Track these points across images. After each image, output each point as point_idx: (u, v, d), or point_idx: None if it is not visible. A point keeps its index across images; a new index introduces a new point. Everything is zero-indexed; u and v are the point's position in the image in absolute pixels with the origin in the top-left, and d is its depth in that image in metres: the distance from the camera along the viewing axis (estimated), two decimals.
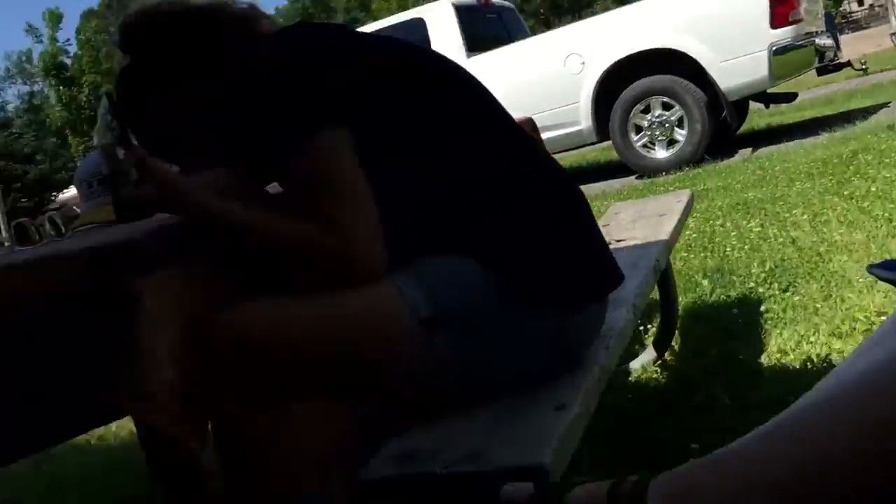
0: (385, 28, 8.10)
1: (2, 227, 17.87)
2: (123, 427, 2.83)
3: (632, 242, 1.92)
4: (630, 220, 2.17)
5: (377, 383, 1.24)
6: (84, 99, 34.46)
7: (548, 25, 37.39)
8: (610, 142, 6.89)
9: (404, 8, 47.08)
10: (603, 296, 1.34)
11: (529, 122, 2.46)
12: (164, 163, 1.27)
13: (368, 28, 8.28)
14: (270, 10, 70.15)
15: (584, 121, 6.69)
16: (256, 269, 1.30)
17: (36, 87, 48.76)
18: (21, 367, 1.11)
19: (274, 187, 1.42)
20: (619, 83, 6.60)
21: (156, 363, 1.03)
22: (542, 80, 6.82)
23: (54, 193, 25.81)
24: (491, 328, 1.22)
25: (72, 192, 24.81)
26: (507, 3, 8.76)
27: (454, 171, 1.27)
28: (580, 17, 36.29)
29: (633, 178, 6.78)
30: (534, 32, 9.67)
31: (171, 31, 1.36)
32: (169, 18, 1.37)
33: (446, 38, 7.40)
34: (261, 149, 1.26)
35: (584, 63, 6.62)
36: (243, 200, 1.32)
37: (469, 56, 7.27)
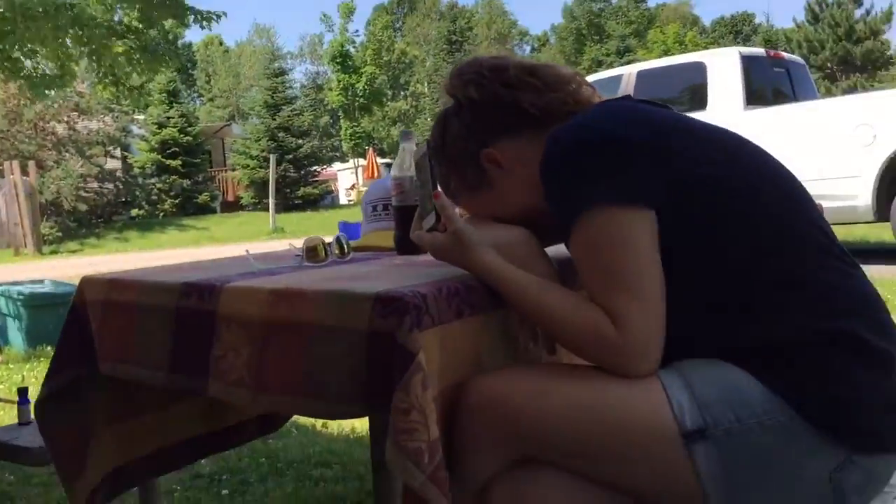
0: (663, 68, 7.95)
1: (271, 192, 19.60)
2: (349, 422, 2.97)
3: None
4: None
5: (621, 483, 1.18)
6: (361, 87, 36.92)
7: (833, 80, 34.93)
8: (888, 224, 6.28)
9: (679, 41, 46.20)
10: None
11: (819, 208, 2.25)
12: (459, 212, 1.28)
13: (647, 65, 8.16)
14: (545, 28, 71.33)
15: (864, 197, 6.15)
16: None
17: (321, 69, 53.03)
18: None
19: None
20: None
21: (422, 419, 1.03)
22: (823, 147, 6.34)
23: (318, 168, 27.97)
24: (762, 454, 1.12)
25: (334, 168, 26.62)
26: (798, 60, 8.27)
27: (743, 266, 1.18)
28: (872, 76, 33.49)
29: None
30: (817, 86, 9.07)
31: (503, 84, 1.37)
32: (502, 73, 1.38)
33: (726, 87, 7.12)
34: (558, 214, 1.23)
35: (875, 136, 6.08)
36: (544, 268, 1.31)
37: (747, 108, 6.94)
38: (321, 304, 1.17)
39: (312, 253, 1.53)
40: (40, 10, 6.15)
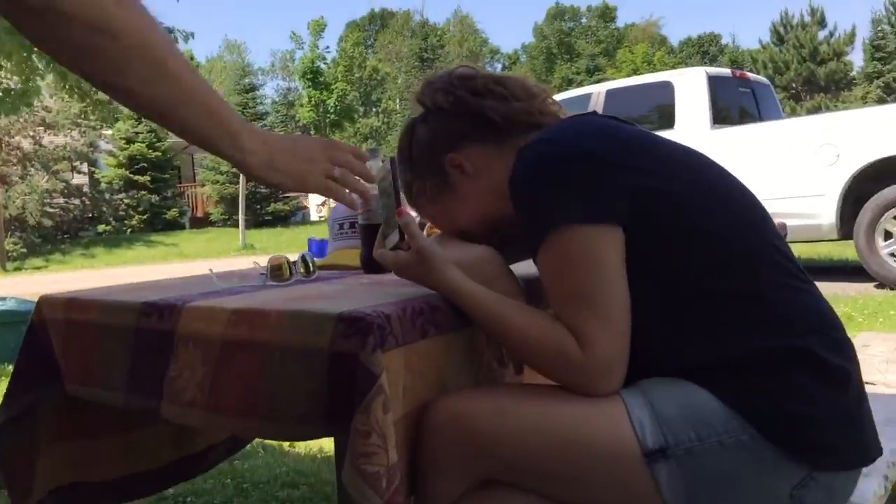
0: (632, 87, 8.03)
1: (241, 208, 19.47)
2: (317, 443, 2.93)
3: (887, 391, 1.71)
4: (884, 358, 1.95)
5: (583, 503, 1.18)
6: (332, 104, 36.84)
7: (798, 100, 35.56)
8: (852, 241, 6.38)
9: (648, 61, 46.78)
10: (857, 463, 1.19)
11: (782, 227, 2.28)
12: (423, 230, 1.28)
13: (617, 84, 8.24)
14: (516, 46, 72.00)
15: (828, 216, 6.23)
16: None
17: (292, 84, 52.90)
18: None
19: None
20: (872, 183, 6.10)
21: (381, 442, 1.02)
22: (788, 166, 6.43)
23: None
24: (724, 472, 1.12)
25: None
26: (763, 80, 8.39)
27: (701, 285, 1.18)
28: (836, 97, 34.14)
29: (871, 285, 6.23)
30: (782, 106, 9.22)
31: (470, 92, 1.38)
32: (469, 81, 1.40)
33: (693, 106, 7.21)
34: (526, 233, 1.23)
35: (838, 156, 6.18)
36: (510, 286, 1.31)
37: (713, 127, 7.03)
38: (283, 324, 1.15)
39: (277, 272, 1.52)
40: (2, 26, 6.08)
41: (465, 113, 1.39)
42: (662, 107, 7.55)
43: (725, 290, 1.18)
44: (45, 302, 1.51)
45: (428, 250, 1.24)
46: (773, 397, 1.12)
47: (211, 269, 1.65)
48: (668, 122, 7.34)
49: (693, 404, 1.13)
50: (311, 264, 1.56)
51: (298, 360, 1.12)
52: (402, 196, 1.35)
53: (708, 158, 1.33)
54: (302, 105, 40.15)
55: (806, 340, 1.15)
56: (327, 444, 2.89)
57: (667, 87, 7.51)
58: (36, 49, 6.57)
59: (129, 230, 24.40)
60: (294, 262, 1.54)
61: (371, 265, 1.62)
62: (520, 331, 1.19)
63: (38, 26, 0.87)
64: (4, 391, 1.51)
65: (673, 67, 43.58)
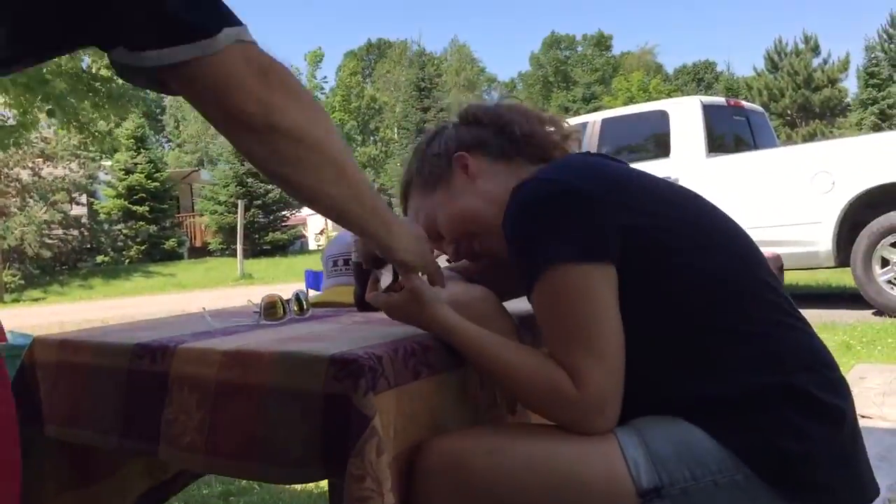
0: (626, 116, 8.08)
1: (239, 238, 19.48)
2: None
3: (883, 425, 1.70)
4: (880, 391, 1.94)
5: None
6: None
7: (793, 127, 35.76)
8: (849, 269, 6.38)
9: (643, 89, 47.12)
10: (854, 503, 1.18)
11: (776, 259, 2.28)
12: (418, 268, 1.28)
13: (612, 113, 8.29)
14: (513, 75, 72.47)
15: (825, 243, 6.24)
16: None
17: None
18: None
19: None
20: (869, 210, 6.12)
21: (376, 486, 1.02)
22: (784, 193, 6.45)
23: (287, 213, 27.90)
24: None
25: (302, 214, 26.44)
26: (757, 108, 8.46)
27: (694, 322, 1.19)
28: (831, 122, 34.37)
29: (869, 312, 6.23)
30: (777, 132, 9.27)
31: (508, 110, 1.49)
32: (510, 102, 1.52)
33: (688, 135, 7.25)
34: (519, 271, 1.24)
35: (833, 183, 6.20)
36: (503, 324, 1.31)
37: (708, 156, 7.06)
38: (276, 365, 1.15)
39: (270, 310, 1.51)
40: None
41: (492, 123, 1.47)
42: (658, 136, 7.59)
43: (718, 327, 1.18)
44: (39, 343, 1.50)
45: (420, 289, 1.24)
46: (766, 436, 1.12)
47: (204, 308, 1.65)
48: (664, 150, 7.38)
49: (688, 443, 1.13)
50: (304, 302, 1.56)
51: (293, 403, 1.12)
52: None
53: (700, 196, 1.34)
54: None
55: (799, 378, 1.15)
56: (324, 481, 2.87)
57: (662, 116, 7.56)
58: (32, 81, 6.61)
59: (127, 261, 24.40)
60: (288, 301, 1.54)
61: (364, 303, 1.61)
62: (514, 369, 1.19)
63: (256, 141, 0.99)
64: None
65: (668, 95, 43.93)
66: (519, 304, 1.41)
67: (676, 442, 1.13)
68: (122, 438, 1.31)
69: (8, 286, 18.35)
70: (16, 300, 17.65)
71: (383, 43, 64.55)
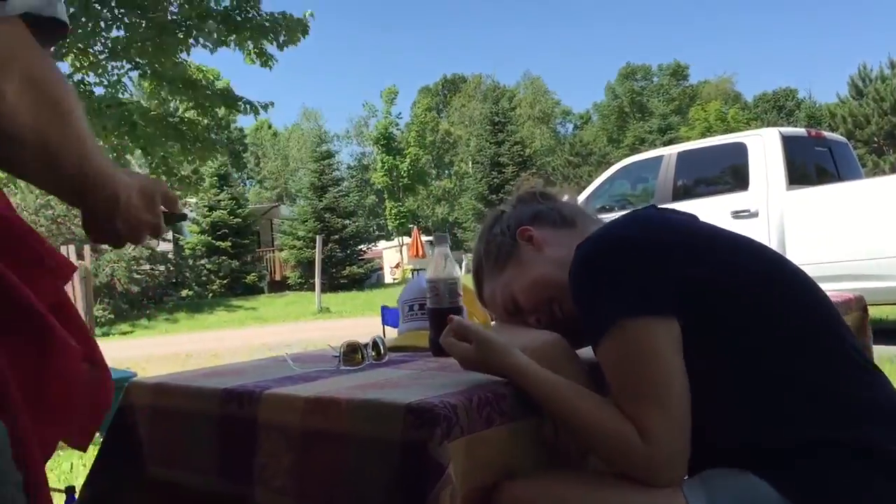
0: (704, 149, 8.00)
1: (317, 272, 19.86)
2: None
3: None
4: None
5: None
6: (405, 168, 37.58)
7: (880, 154, 34.59)
8: None
9: (721, 118, 46.36)
10: None
11: (860, 300, 2.23)
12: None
13: (688, 146, 8.21)
14: (587, 106, 72.38)
15: None
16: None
17: (367, 149, 54.12)
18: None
19: None
20: None
21: None
22: (868, 226, 6.26)
23: (364, 247, 28.32)
24: None
25: (378, 248, 26.81)
26: (840, 138, 8.24)
27: (764, 373, 1.19)
28: None
29: None
30: (863, 161, 9.01)
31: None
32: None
33: (767, 168, 7.12)
34: (586, 327, 1.27)
35: None
36: (575, 370, 1.34)
37: (789, 188, 6.92)
38: (355, 413, 1.20)
39: (350, 356, 1.57)
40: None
41: (547, 198, 1.58)
42: (736, 168, 7.48)
43: (794, 378, 1.18)
44: (134, 387, 1.60)
45: (488, 337, 1.29)
46: (833, 490, 1.11)
47: (286, 354, 1.72)
48: (742, 183, 7.26)
49: (753, 500, 1.13)
50: (382, 348, 1.62)
51: (372, 450, 1.17)
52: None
53: (765, 247, 1.35)
54: (376, 170, 41.03)
55: (871, 432, 1.14)
56: None
57: (740, 149, 7.44)
58: (118, 131, 6.96)
59: (210, 294, 25.13)
60: (366, 346, 1.60)
61: (439, 348, 1.66)
62: (584, 417, 1.21)
63: None
64: (89, 471, 1.60)
65: (747, 124, 43.08)
66: (590, 350, 1.44)
67: (742, 498, 1.13)
68: (218, 479, 1.39)
69: (98, 320, 19.10)
70: (105, 334, 18.34)
71: (458, 78, 65.35)
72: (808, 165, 7.63)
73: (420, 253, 26.33)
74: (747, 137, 7.61)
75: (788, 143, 7.26)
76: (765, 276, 1.27)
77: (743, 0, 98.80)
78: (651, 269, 1.21)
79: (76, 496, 2.07)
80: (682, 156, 7.94)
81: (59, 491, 2.80)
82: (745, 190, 7.13)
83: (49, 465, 4.89)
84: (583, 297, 1.26)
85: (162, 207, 1.14)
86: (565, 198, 1.63)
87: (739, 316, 1.21)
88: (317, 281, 20.15)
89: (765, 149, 7.23)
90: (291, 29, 7.42)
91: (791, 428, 1.16)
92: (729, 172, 7.71)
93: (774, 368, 1.19)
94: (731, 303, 1.21)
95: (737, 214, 6.92)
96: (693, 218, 1.38)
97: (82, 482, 1.61)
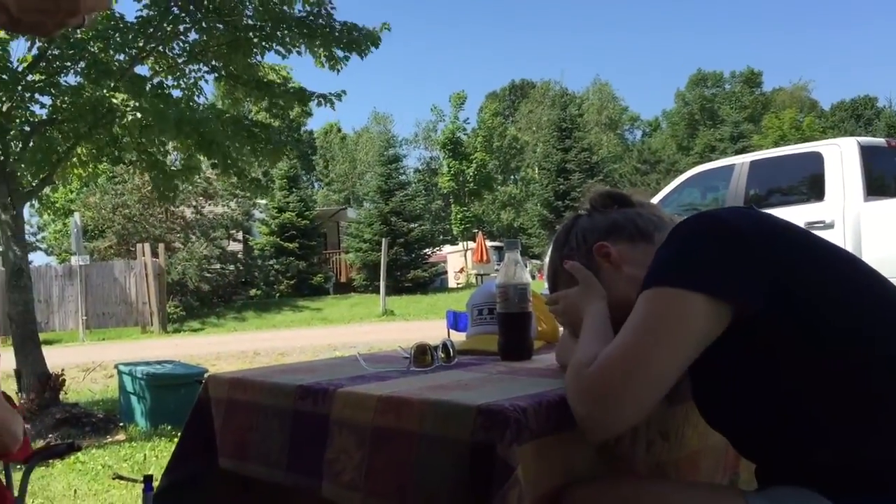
0: (778, 158, 7.84)
1: (382, 275, 20.05)
2: None
3: None
4: None
5: None
6: (471, 173, 37.62)
7: None
8: None
9: (796, 127, 45.18)
10: None
11: None
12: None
13: (761, 155, 8.06)
14: (657, 113, 71.42)
15: None
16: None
17: (435, 153, 54.38)
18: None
19: None
20: None
21: None
22: None
23: (429, 251, 28.47)
24: None
25: (443, 252, 26.94)
26: None
27: (836, 385, 1.15)
28: None
29: None
30: None
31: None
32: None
33: (844, 178, 6.92)
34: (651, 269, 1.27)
35: None
36: None
37: (867, 199, 6.72)
38: (426, 413, 1.23)
39: (420, 357, 1.60)
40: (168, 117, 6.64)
41: (622, 208, 1.53)
42: (812, 178, 7.29)
43: (860, 392, 1.15)
44: (212, 380, 1.66)
45: (593, 279, 1.44)
46: None
47: (358, 354, 1.76)
48: (818, 194, 7.07)
49: None
50: (451, 350, 1.64)
51: (442, 450, 1.20)
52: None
53: (854, 256, 1.31)
54: (442, 174, 41.22)
55: None
56: None
57: (815, 159, 7.26)
58: (192, 137, 7.13)
59: (277, 294, 25.58)
60: (436, 348, 1.62)
61: (507, 352, 1.68)
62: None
63: None
64: (168, 462, 1.67)
65: (823, 132, 41.88)
66: None
67: None
68: (288, 472, 1.43)
69: (171, 317, 19.63)
70: (177, 331, 18.86)
71: (526, 83, 65.19)
72: (888, 176, 7.38)
73: (484, 258, 26.34)
74: (824, 147, 7.41)
75: (867, 152, 7.05)
76: (848, 283, 1.23)
77: (820, 5, 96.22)
78: (731, 252, 1.19)
79: (153, 485, 2.16)
80: (754, 164, 7.78)
81: (136, 481, 2.91)
82: (820, 200, 6.95)
83: (122, 454, 5.07)
84: (668, 250, 1.26)
85: None
86: (641, 201, 1.56)
87: (819, 323, 1.17)
88: (382, 283, 20.34)
89: (842, 158, 7.04)
90: (364, 40, 7.52)
91: (860, 447, 1.13)
92: (804, 182, 7.53)
93: (848, 381, 1.15)
94: (810, 310, 1.17)
95: (811, 225, 6.75)
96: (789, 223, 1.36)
97: (160, 472, 1.68)
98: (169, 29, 7.38)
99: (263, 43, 7.60)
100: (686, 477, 1.44)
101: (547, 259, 1.65)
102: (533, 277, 19.15)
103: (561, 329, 1.72)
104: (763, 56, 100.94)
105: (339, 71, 7.78)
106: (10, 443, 1.45)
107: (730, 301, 1.16)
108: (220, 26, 7.44)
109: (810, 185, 7.33)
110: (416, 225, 28.32)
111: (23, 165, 7.02)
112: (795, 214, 6.93)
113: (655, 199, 8.36)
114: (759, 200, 7.57)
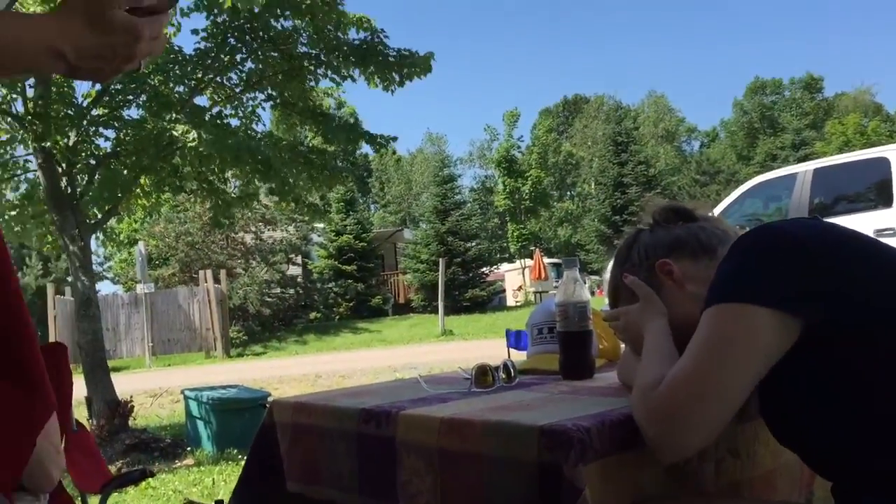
0: (842, 165, 7.64)
1: (440, 295, 20.10)
2: None
3: None
4: None
5: None
6: (527, 191, 37.60)
7: None
8: None
9: (861, 132, 44.09)
10: None
11: None
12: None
13: (825, 162, 7.88)
14: (714, 123, 70.35)
15: None
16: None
17: (489, 172, 54.48)
18: None
19: None
20: None
21: None
22: None
23: (486, 270, 28.45)
24: None
25: (501, 269, 26.94)
26: None
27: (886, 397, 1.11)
28: None
29: None
30: None
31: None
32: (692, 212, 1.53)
33: None
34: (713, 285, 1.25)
35: None
36: None
37: None
38: (490, 434, 1.23)
39: (481, 378, 1.60)
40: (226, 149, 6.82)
41: (685, 222, 1.50)
42: (879, 184, 7.09)
43: None
44: (276, 405, 1.67)
45: (653, 295, 1.43)
46: None
47: (419, 375, 1.76)
48: (886, 200, 6.88)
49: None
50: (512, 371, 1.63)
51: (510, 471, 1.19)
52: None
53: None
54: (498, 193, 41.25)
55: None
56: None
57: (882, 164, 7.06)
58: (249, 164, 7.30)
59: (337, 317, 25.83)
60: (497, 368, 1.61)
61: (569, 371, 1.66)
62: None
63: None
64: (235, 486, 1.69)
65: (890, 137, 40.72)
66: None
67: None
68: (361, 497, 1.44)
69: (233, 342, 19.97)
70: (240, 355, 19.16)
71: (579, 98, 64.95)
72: None
73: (542, 275, 26.21)
74: (891, 151, 7.21)
75: None
76: None
77: (881, 7, 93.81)
78: (800, 266, 1.16)
79: None
80: (818, 172, 7.60)
81: None
82: (888, 207, 6.76)
83: (191, 479, 5.15)
84: (728, 266, 1.24)
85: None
86: (704, 215, 1.53)
87: (877, 335, 1.13)
88: (440, 303, 20.37)
89: None
90: (415, 65, 7.60)
91: None
92: (870, 189, 7.33)
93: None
94: (871, 320, 1.13)
95: (880, 233, 6.55)
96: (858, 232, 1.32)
97: (229, 497, 1.70)
98: (226, 59, 7.57)
99: (318, 70, 7.74)
100: (762, 496, 1.40)
101: (607, 275, 1.62)
102: (592, 294, 18.96)
103: (622, 346, 1.69)
104: (823, 61, 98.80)
105: (392, 92, 7.87)
106: (44, 483, 1.45)
107: (796, 314, 1.13)
108: (275, 55, 7.59)
109: (877, 191, 7.13)
110: (473, 244, 28.36)
111: (89, 197, 7.25)
112: (863, 222, 6.74)
113: (716, 211, 8.22)
114: (825, 209, 7.39)
